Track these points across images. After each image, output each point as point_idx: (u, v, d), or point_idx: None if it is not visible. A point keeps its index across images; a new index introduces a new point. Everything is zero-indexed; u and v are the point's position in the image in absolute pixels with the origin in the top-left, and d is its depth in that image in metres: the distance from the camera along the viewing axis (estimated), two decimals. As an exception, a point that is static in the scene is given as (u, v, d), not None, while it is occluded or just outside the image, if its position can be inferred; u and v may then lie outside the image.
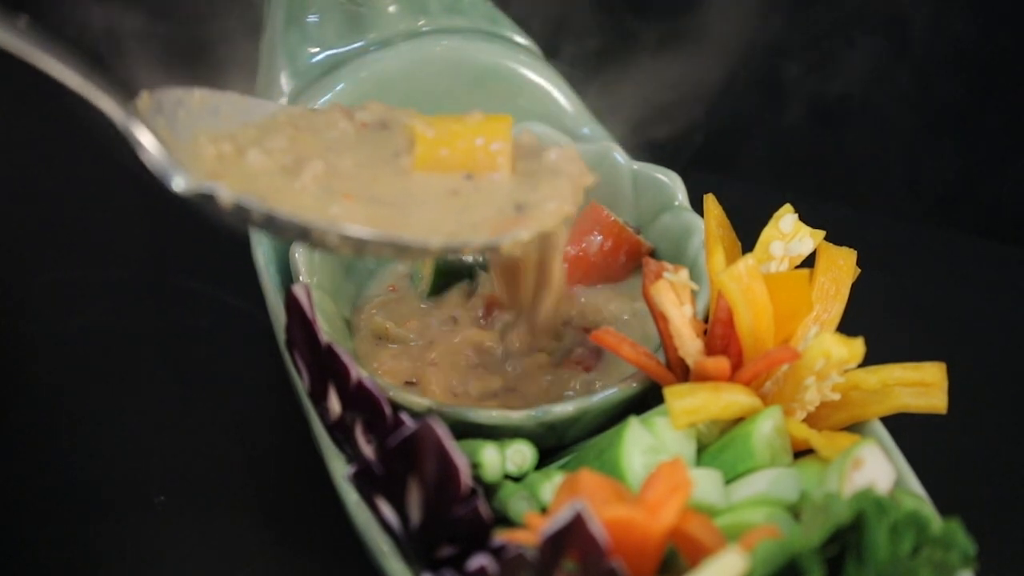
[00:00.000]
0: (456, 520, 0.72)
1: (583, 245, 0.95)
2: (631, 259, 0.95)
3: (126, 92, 0.78)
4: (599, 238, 0.95)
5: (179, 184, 0.76)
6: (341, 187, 0.82)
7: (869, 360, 0.79)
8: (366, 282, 0.97)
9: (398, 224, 0.80)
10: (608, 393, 0.84)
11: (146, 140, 0.77)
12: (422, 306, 0.95)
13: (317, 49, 1.01)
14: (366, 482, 0.75)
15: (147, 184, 1.19)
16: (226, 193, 0.76)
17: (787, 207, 0.87)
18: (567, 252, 0.95)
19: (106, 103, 0.78)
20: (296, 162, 0.82)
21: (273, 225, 0.77)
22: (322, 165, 0.82)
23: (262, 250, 0.95)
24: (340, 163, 0.83)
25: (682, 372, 0.84)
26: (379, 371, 0.90)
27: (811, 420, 0.82)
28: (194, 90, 0.83)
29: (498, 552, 0.69)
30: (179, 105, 0.81)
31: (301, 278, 0.91)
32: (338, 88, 0.99)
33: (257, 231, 0.81)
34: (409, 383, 0.89)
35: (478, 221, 0.81)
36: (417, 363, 0.90)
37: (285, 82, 1.01)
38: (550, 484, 0.79)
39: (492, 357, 0.90)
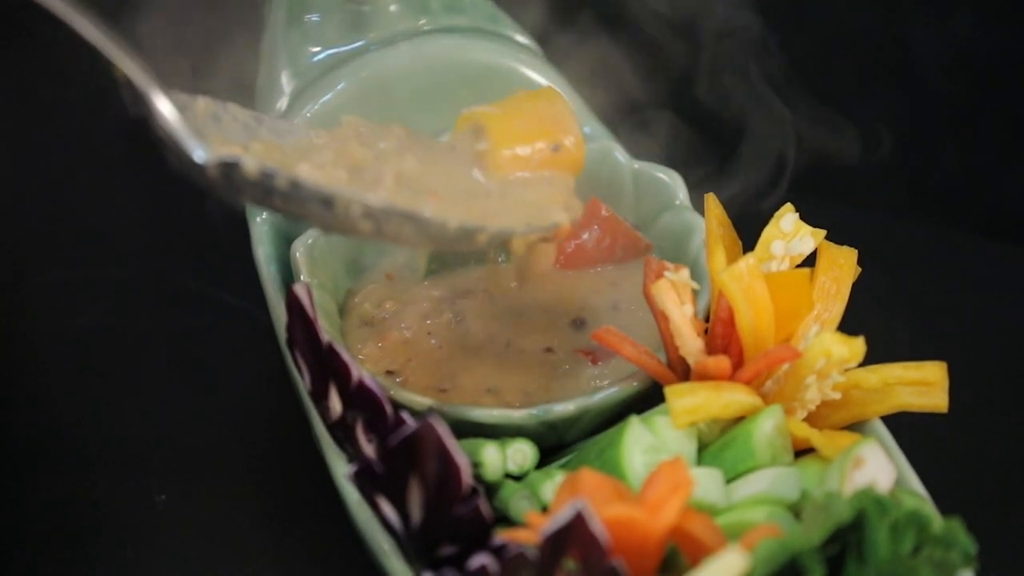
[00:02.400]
0: (457, 519, 0.72)
1: (581, 239, 0.96)
2: (628, 254, 0.96)
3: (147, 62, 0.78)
4: (596, 232, 0.96)
5: (200, 155, 0.75)
6: (422, 187, 0.83)
7: (870, 359, 0.79)
8: (365, 272, 0.97)
9: (491, 214, 0.81)
10: (609, 392, 0.84)
11: (166, 109, 0.76)
12: (415, 294, 0.94)
13: (318, 48, 1.01)
14: (367, 481, 0.75)
15: (148, 184, 1.20)
16: (251, 161, 0.74)
17: (788, 206, 0.87)
18: (564, 247, 0.96)
19: (129, 66, 0.76)
20: (356, 171, 0.82)
21: (297, 195, 0.75)
22: (395, 168, 0.83)
23: (263, 249, 0.95)
24: (405, 167, 0.84)
25: (683, 371, 0.84)
26: (361, 353, 0.90)
27: (812, 419, 0.82)
28: (198, 97, 0.82)
29: (499, 551, 0.69)
30: (184, 109, 0.80)
31: (302, 277, 0.91)
32: (339, 87, 0.99)
33: (274, 210, 0.79)
34: (390, 372, 0.89)
35: (553, 200, 0.86)
36: (399, 353, 0.90)
37: (286, 81, 1.01)
38: (551, 483, 0.79)
39: (478, 349, 0.90)
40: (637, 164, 0.98)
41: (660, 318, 0.84)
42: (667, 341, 0.84)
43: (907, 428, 0.85)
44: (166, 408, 1.00)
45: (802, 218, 0.87)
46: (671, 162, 0.99)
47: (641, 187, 0.98)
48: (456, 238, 0.79)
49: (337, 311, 0.93)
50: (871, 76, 1.31)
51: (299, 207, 0.76)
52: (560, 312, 0.93)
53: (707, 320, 0.87)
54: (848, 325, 0.83)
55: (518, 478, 0.82)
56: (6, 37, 1.33)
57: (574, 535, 0.67)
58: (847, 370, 0.81)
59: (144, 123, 0.78)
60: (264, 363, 1.00)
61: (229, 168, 0.75)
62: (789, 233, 0.86)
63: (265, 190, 0.75)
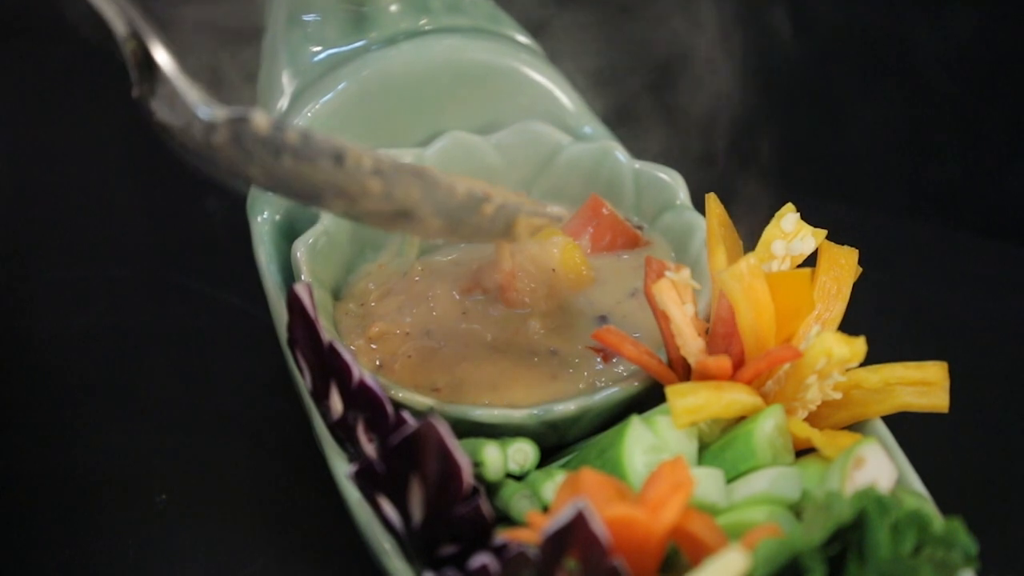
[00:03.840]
0: (458, 519, 0.72)
1: (582, 237, 0.95)
2: (629, 252, 0.96)
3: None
4: (596, 229, 0.96)
5: (207, 111, 0.74)
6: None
7: (870, 359, 0.79)
8: (360, 264, 0.97)
9: None
10: (610, 392, 0.84)
11: (170, 68, 0.75)
12: (410, 285, 0.94)
13: (319, 48, 1.01)
14: (368, 481, 0.75)
15: (148, 184, 1.20)
16: (261, 115, 0.72)
17: (789, 206, 0.87)
18: None
19: (138, 23, 0.75)
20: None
21: (308, 150, 0.73)
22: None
23: (263, 249, 0.95)
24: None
25: (684, 371, 0.84)
26: (353, 344, 0.89)
27: (812, 419, 0.82)
28: None
29: (500, 551, 0.69)
30: None
31: (303, 276, 0.91)
32: (340, 87, 0.99)
33: (279, 184, 0.77)
34: (380, 366, 0.88)
35: None
36: (387, 348, 0.90)
37: (287, 81, 1.01)
38: (552, 483, 0.79)
39: (476, 345, 0.90)
40: (638, 164, 0.98)
41: (661, 318, 0.84)
42: (668, 341, 0.84)
43: (908, 427, 0.85)
44: (166, 408, 1.00)
45: (803, 217, 0.87)
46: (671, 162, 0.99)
47: (642, 187, 0.98)
48: (463, 206, 0.77)
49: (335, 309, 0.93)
50: (871, 76, 1.31)
51: (309, 166, 0.73)
52: (583, 307, 0.92)
53: (708, 320, 0.87)
54: (849, 325, 0.83)
55: (519, 478, 0.82)
56: (6, 37, 1.33)
57: (575, 535, 0.67)
58: (848, 370, 0.81)
59: (145, 105, 0.78)
60: (264, 363, 1.00)
61: (238, 125, 0.73)
62: (790, 233, 0.86)
63: (275, 148, 0.73)
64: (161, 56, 0.76)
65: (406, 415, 0.76)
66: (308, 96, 0.99)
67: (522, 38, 1.06)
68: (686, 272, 0.84)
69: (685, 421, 0.79)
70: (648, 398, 0.86)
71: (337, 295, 0.94)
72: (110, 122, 1.23)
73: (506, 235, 0.82)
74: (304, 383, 0.81)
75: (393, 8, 1.02)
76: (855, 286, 0.86)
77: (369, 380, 0.77)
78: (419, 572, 0.75)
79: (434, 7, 1.03)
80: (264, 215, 0.97)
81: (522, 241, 0.83)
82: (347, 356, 0.78)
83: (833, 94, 1.30)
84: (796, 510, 0.77)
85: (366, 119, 0.99)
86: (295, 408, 0.91)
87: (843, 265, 0.86)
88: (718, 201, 0.88)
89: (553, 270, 0.92)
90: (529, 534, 0.72)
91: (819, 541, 0.69)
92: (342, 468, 0.81)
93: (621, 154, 0.99)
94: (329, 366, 0.79)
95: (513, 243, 0.85)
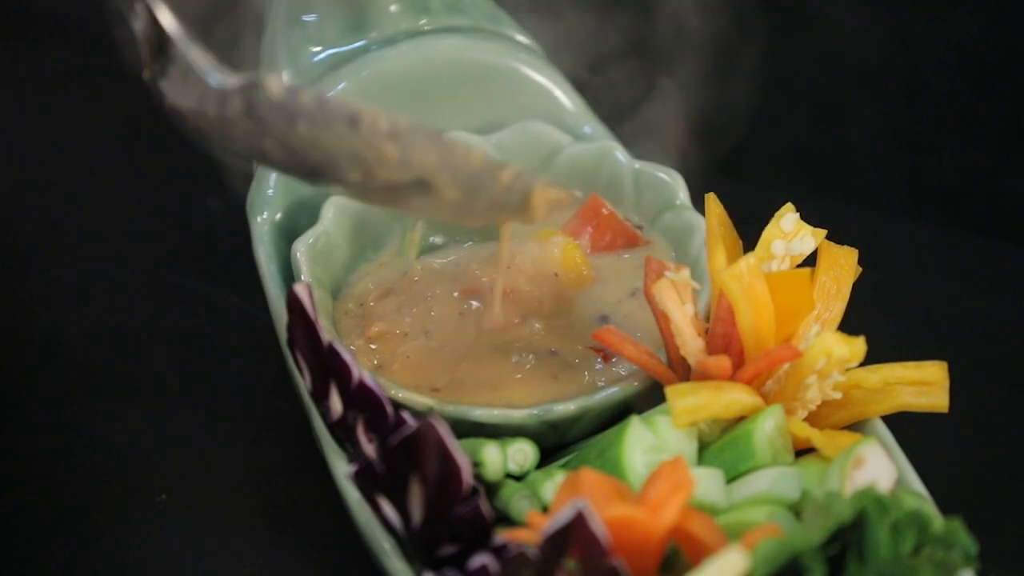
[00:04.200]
0: (457, 519, 0.72)
1: (582, 236, 0.96)
2: (629, 252, 0.96)
3: None
4: (596, 230, 0.96)
5: (219, 80, 0.73)
6: None
7: (870, 359, 0.79)
8: (359, 264, 0.97)
9: None
10: (610, 392, 0.84)
11: (182, 39, 0.74)
12: (408, 284, 0.94)
13: (319, 48, 1.01)
14: (367, 481, 0.75)
15: (148, 184, 1.20)
16: (274, 80, 0.71)
17: (788, 206, 0.87)
18: None
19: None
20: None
21: (323, 114, 0.71)
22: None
23: (263, 249, 0.95)
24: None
25: (684, 371, 0.84)
26: (353, 344, 0.89)
27: (812, 419, 0.82)
28: None
29: (499, 551, 0.69)
30: None
31: (303, 276, 0.91)
32: (340, 87, 0.99)
33: (291, 158, 0.75)
34: (379, 366, 0.88)
35: None
36: (387, 348, 0.90)
37: (287, 81, 1.01)
38: (551, 483, 0.79)
39: (476, 344, 0.90)
40: (638, 164, 0.98)
41: (661, 318, 0.84)
42: (668, 341, 0.84)
43: (908, 427, 0.85)
44: (166, 408, 1.00)
45: (803, 217, 0.87)
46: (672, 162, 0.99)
47: (641, 187, 0.98)
48: (480, 172, 0.75)
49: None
50: (871, 76, 1.31)
51: (325, 131, 0.72)
52: (584, 307, 0.92)
53: (708, 320, 0.87)
54: (849, 324, 0.83)
55: (519, 478, 0.82)
56: (6, 37, 1.33)
57: (575, 535, 0.67)
58: (848, 370, 0.81)
59: (155, 86, 0.77)
60: (264, 363, 1.00)
61: (252, 92, 0.72)
62: (790, 233, 0.86)
63: (290, 114, 0.71)
64: (173, 28, 0.75)
65: (406, 415, 0.76)
66: (308, 96, 0.99)
67: (522, 38, 1.06)
68: (686, 272, 0.84)
69: (685, 421, 0.79)
70: (648, 398, 0.86)
71: (336, 295, 0.94)
72: (110, 122, 1.24)
73: (522, 210, 0.80)
74: (304, 383, 0.81)
75: (393, 8, 1.02)
76: (855, 286, 0.86)
77: (369, 380, 0.77)
78: (419, 572, 0.75)
79: (434, 7, 1.03)
80: (264, 215, 0.97)
81: (539, 217, 0.80)
82: (347, 356, 0.78)
83: (833, 94, 1.30)
84: (796, 510, 0.76)
85: None
86: (295, 408, 0.91)
87: (843, 265, 0.86)
88: (718, 201, 0.88)
89: (556, 274, 0.92)
90: (529, 534, 0.72)
91: (819, 541, 0.69)
92: (342, 468, 0.81)
93: (621, 154, 0.99)
94: (329, 366, 0.79)
95: (527, 223, 0.83)
